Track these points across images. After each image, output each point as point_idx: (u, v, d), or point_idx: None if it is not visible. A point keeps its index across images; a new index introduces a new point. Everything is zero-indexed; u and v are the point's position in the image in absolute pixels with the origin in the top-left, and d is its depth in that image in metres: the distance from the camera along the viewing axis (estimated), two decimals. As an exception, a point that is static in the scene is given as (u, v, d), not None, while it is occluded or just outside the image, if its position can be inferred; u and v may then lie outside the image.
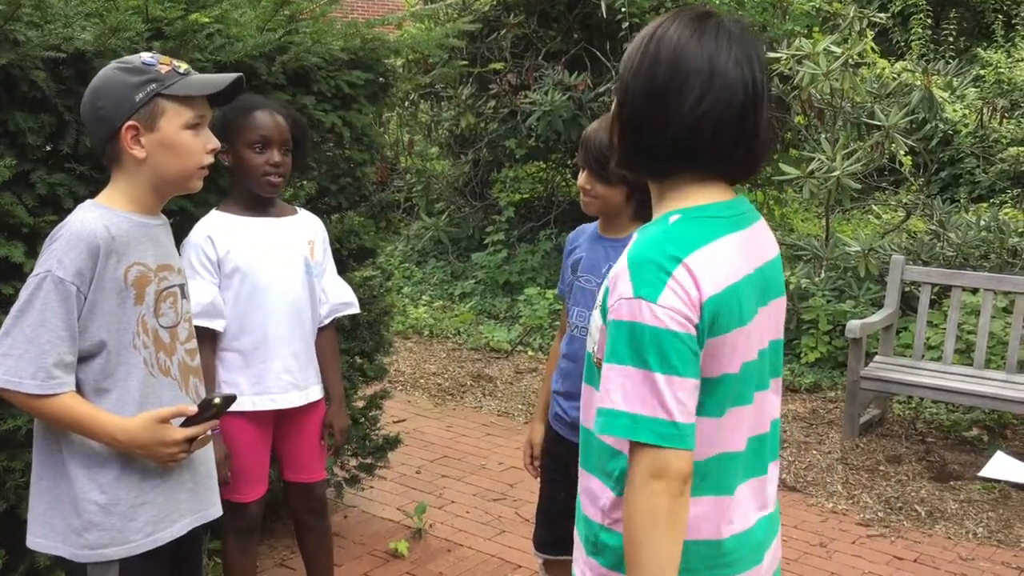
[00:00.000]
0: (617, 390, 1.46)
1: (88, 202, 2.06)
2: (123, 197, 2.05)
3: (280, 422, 2.93)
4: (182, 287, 2.18)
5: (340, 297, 3.01)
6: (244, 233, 2.79)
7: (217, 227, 2.78)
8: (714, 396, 1.53)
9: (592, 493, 1.65)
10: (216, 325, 2.75)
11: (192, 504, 2.17)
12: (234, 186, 2.89)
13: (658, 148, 1.54)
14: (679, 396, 1.45)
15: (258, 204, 2.83)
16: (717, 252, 1.51)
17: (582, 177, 2.57)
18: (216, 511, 2.26)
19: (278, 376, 2.82)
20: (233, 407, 2.72)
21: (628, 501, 1.47)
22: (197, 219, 3.07)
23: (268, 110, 2.79)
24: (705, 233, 1.52)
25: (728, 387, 1.54)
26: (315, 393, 2.93)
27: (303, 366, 2.88)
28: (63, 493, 2.01)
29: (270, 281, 2.79)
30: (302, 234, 2.90)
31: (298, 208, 2.99)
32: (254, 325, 2.78)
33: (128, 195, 2.06)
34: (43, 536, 2.04)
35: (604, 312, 1.56)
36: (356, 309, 3.07)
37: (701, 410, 1.52)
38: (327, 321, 2.98)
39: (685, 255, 1.48)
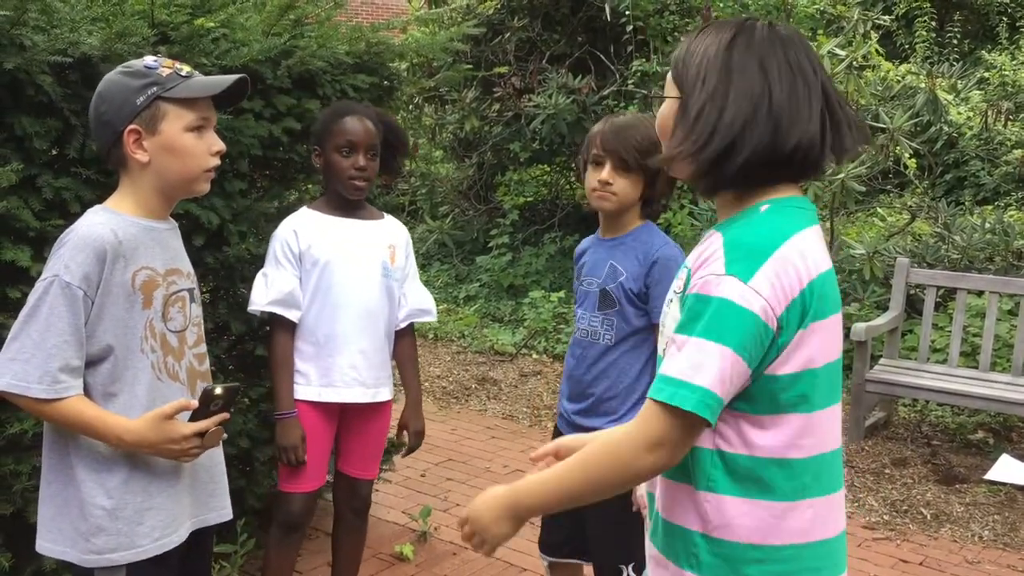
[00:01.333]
0: (684, 359, 1.45)
1: (96, 207, 2.07)
2: (130, 201, 2.06)
3: (345, 417, 3.01)
4: (191, 291, 2.17)
5: (419, 303, 3.09)
6: (328, 231, 2.91)
7: (303, 223, 2.91)
8: (818, 388, 1.53)
9: (682, 502, 1.59)
10: (291, 315, 2.87)
11: (192, 509, 2.16)
12: (325, 187, 3.03)
13: (775, 162, 1.54)
14: (734, 378, 1.45)
15: (345, 205, 2.94)
16: (809, 239, 1.54)
17: (605, 172, 2.55)
18: (218, 516, 2.24)
19: (343, 371, 2.90)
20: (302, 395, 2.88)
21: (617, 444, 1.49)
22: (202, 222, 3.09)
23: (358, 116, 2.91)
24: (796, 221, 1.55)
25: (819, 380, 1.54)
26: (383, 394, 3.00)
27: (372, 365, 2.95)
28: (71, 497, 2.01)
29: (345, 279, 2.89)
30: (384, 238, 3.00)
31: (385, 214, 3.09)
32: (326, 319, 2.89)
33: (135, 199, 2.06)
34: (51, 541, 2.03)
35: (683, 301, 1.55)
36: (433, 317, 3.15)
37: (806, 404, 1.52)
38: (403, 325, 3.07)
39: (783, 240, 1.50)
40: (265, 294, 2.85)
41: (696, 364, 1.45)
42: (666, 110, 1.64)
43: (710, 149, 1.54)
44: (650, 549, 1.71)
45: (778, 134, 1.51)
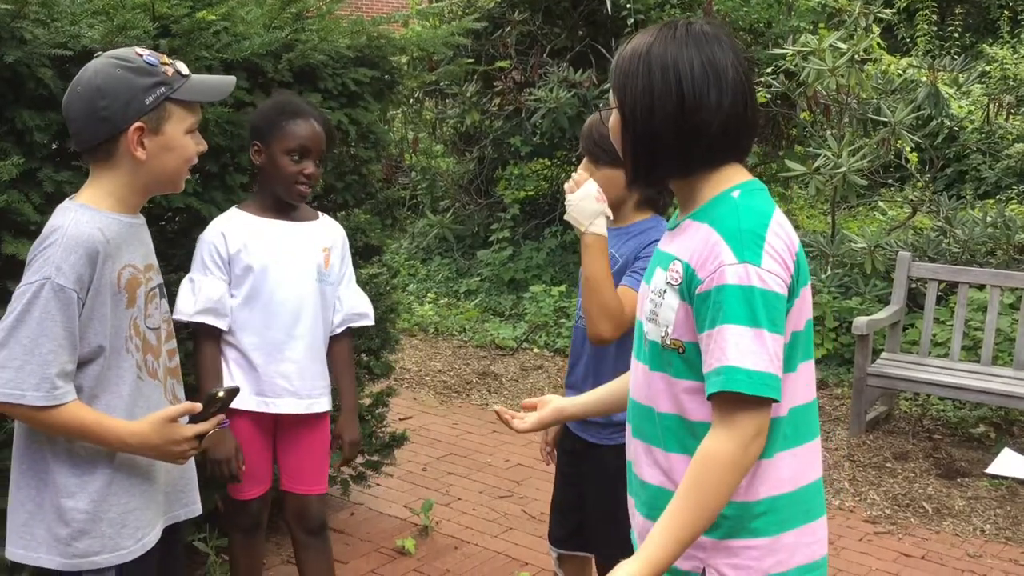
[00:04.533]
0: (733, 348, 1.55)
1: (72, 204, 2.00)
2: (109, 197, 2.01)
3: (280, 428, 2.88)
4: (161, 287, 2.15)
5: (355, 307, 2.95)
6: (259, 234, 2.77)
7: (233, 226, 2.77)
8: (796, 348, 1.66)
9: None
10: (220, 324, 2.74)
11: (164, 506, 2.16)
12: (259, 186, 2.87)
13: (695, 150, 1.67)
14: (779, 353, 1.58)
15: (278, 207, 2.81)
16: (781, 218, 1.67)
17: (582, 166, 2.58)
18: (187, 511, 2.23)
19: (274, 381, 2.78)
20: (235, 404, 2.66)
21: (725, 453, 1.56)
22: (202, 216, 3.08)
23: (310, 119, 2.76)
24: (767, 203, 1.68)
25: (801, 340, 1.67)
26: (319, 405, 2.86)
27: (304, 375, 2.82)
28: (47, 502, 1.97)
29: (277, 285, 2.76)
30: (318, 240, 2.86)
31: (320, 214, 2.95)
32: (256, 327, 2.76)
33: (114, 194, 2.01)
34: (24, 547, 1.99)
35: (683, 292, 1.65)
36: (370, 321, 3.01)
37: (789, 365, 1.64)
38: (340, 330, 2.93)
39: (768, 220, 1.63)
40: (192, 302, 2.69)
41: (741, 350, 1.55)
42: (613, 120, 1.77)
43: (645, 146, 1.68)
44: (645, 524, 1.77)
45: (694, 121, 1.63)
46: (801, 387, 1.69)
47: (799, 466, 1.69)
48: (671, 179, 1.74)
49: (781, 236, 1.62)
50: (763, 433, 1.58)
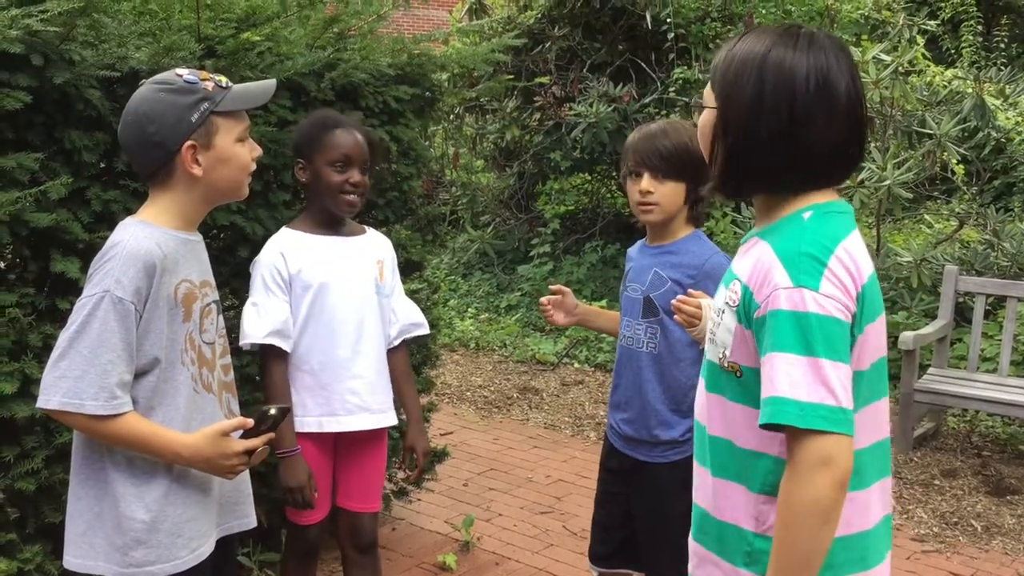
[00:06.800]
0: (783, 379, 1.47)
1: (132, 220, 2.05)
2: (167, 214, 2.05)
3: (341, 446, 2.86)
4: (217, 303, 2.19)
5: (410, 318, 2.96)
6: (315, 252, 2.76)
7: (290, 245, 2.76)
8: (859, 390, 1.55)
9: (734, 501, 1.63)
10: (287, 345, 2.72)
11: (219, 518, 2.18)
12: (308, 203, 2.88)
13: (792, 172, 1.58)
14: (844, 382, 1.47)
15: (329, 223, 2.80)
16: (855, 244, 1.56)
17: (644, 182, 2.53)
18: (241, 524, 2.25)
19: (344, 398, 2.77)
20: (301, 428, 2.73)
21: (790, 493, 1.48)
22: (247, 234, 3.12)
23: (349, 128, 2.77)
24: (841, 227, 1.58)
25: (864, 381, 1.57)
26: (388, 419, 2.86)
27: (373, 389, 2.82)
28: (106, 511, 2.00)
29: (339, 301, 2.75)
30: (372, 254, 2.86)
31: (366, 228, 2.96)
32: (322, 345, 2.75)
33: (173, 212, 2.06)
34: (81, 556, 2.02)
35: (741, 315, 1.58)
36: (426, 330, 3.00)
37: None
38: (398, 342, 2.93)
39: (835, 246, 1.53)
40: (260, 325, 2.66)
41: (792, 380, 1.46)
42: (705, 120, 1.67)
43: (742, 159, 1.59)
44: (696, 547, 1.74)
45: (800, 142, 1.55)
46: (862, 431, 1.57)
47: (854, 511, 1.58)
48: (757, 195, 1.65)
49: (846, 264, 1.52)
50: (830, 462, 1.45)
